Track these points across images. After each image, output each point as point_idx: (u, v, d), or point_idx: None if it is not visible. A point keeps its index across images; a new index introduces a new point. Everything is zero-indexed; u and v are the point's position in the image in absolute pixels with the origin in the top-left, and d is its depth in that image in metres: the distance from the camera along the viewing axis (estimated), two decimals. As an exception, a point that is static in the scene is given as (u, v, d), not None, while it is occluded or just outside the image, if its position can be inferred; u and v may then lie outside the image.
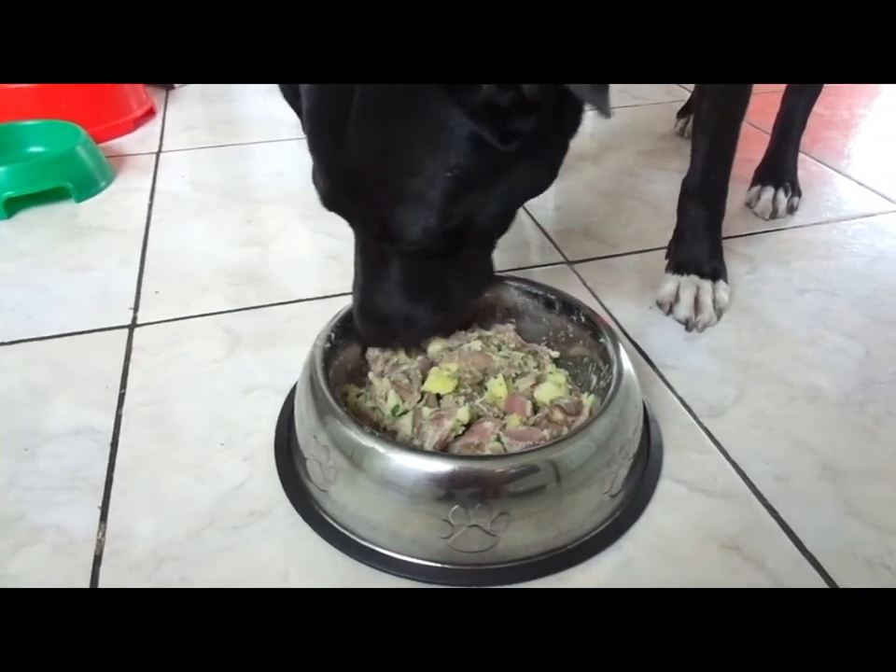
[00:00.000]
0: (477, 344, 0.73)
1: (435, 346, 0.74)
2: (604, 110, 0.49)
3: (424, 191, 0.56)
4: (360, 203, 0.59)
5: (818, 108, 1.16)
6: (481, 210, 0.60)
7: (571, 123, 0.65)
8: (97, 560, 0.60)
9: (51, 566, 0.60)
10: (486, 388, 0.70)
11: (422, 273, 0.65)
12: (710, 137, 0.89)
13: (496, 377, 0.70)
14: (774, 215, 1.13)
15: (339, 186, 0.60)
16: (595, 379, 0.72)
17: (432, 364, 0.72)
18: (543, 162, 0.64)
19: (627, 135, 1.43)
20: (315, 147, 0.60)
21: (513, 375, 0.72)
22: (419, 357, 0.73)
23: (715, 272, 0.93)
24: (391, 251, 0.63)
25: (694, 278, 0.92)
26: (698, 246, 0.93)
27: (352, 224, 0.64)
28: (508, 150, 0.56)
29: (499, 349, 0.75)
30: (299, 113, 0.62)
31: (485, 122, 0.53)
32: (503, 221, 0.67)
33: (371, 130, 0.55)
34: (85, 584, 0.59)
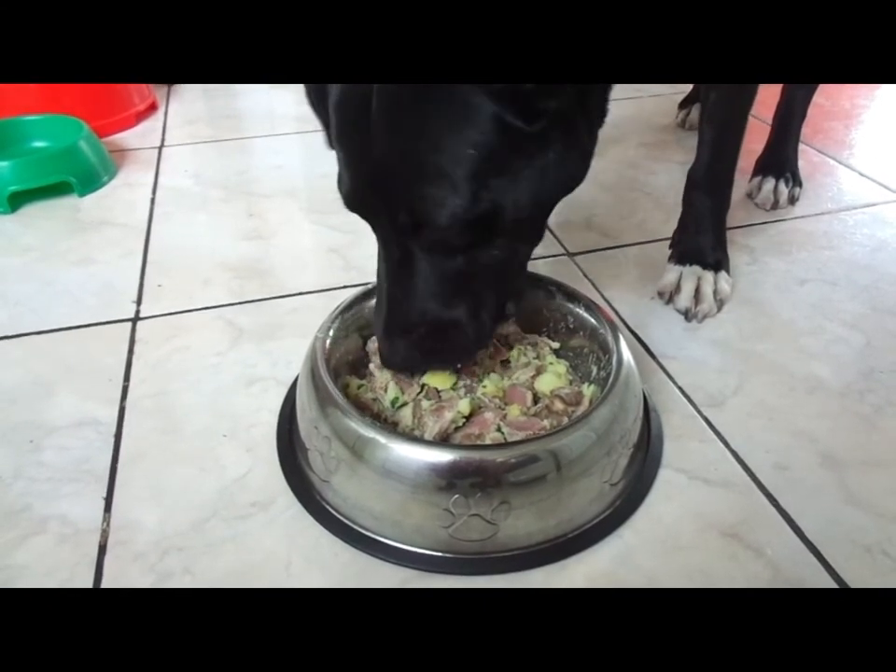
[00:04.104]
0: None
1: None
2: None
3: (449, 169, 0.54)
4: (387, 194, 0.57)
5: (819, 99, 1.16)
6: (509, 196, 0.57)
7: (599, 111, 0.64)
8: (101, 550, 0.61)
9: (56, 556, 0.61)
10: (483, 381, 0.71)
11: (454, 276, 0.60)
12: (717, 128, 0.89)
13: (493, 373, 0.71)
14: (775, 205, 1.13)
15: (364, 180, 0.58)
16: (595, 369, 0.72)
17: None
18: (574, 151, 0.61)
19: (628, 127, 1.42)
20: (341, 138, 0.58)
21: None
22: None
23: (717, 262, 0.93)
24: (419, 248, 0.59)
25: (697, 269, 0.92)
26: (702, 237, 0.93)
27: (375, 224, 0.61)
28: (532, 131, 0.55)
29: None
30: (326, 125, 0.61)
31: (508, 103, 0.53)
32: (536, 219, 0.63)
33: (394, 113, 0.54)
34: (90, 575, 0.59)
